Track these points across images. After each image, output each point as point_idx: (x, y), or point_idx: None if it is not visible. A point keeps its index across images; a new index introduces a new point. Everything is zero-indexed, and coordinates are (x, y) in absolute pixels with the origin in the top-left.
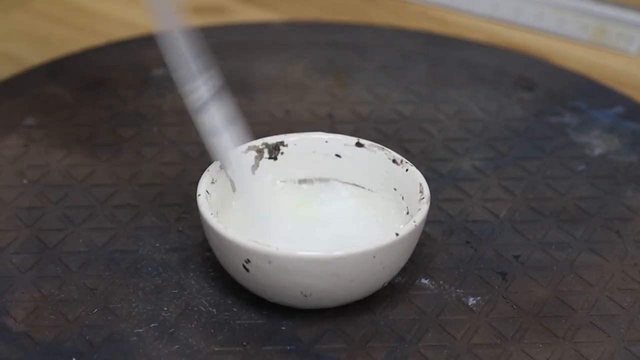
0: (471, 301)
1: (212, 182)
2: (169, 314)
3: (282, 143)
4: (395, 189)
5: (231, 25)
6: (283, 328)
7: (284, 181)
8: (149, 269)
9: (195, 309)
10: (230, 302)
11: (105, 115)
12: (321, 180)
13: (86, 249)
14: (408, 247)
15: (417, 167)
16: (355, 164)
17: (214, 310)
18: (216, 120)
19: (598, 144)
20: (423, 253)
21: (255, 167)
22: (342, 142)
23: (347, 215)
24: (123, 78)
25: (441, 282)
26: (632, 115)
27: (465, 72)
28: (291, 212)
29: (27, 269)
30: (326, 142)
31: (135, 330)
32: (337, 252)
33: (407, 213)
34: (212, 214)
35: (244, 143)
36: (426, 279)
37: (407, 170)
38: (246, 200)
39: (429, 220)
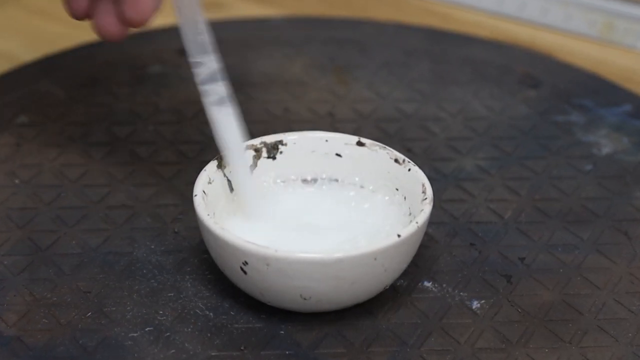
0: (475, 304)
1: (209, 183)
2: (164, 317)
3: (281, 142)
4: (397, 189)
5: (229, 21)
6: (282, 332)
7: (283, 181)
8: (144, 271)
9: (192, 312)
10: (227, 305)
11: (100, 114)
12: (321, 180)
13: (79, 251)
14: (410, 249)
15: (420, 167)
16: (356, 163)
17: (211, 313)
18: (218, 95)
19: (605, 143)
20: (426, 255)
21: (253, 166)
22: (343, 141)
23: (348, 216)
24: (118, 75)
25: (444, 285)
26: None
27: (469, 69)
28: (290, 212)
29: (18, 272)
30: (326, 141)
31: (130, 335)
32: (337, 254)
33: (410, 214)
34: (209, 215)
35: (241, 125)
36: (429, 282)
37: (409, 170)
38: (243, 198)
39: (432, 221)
